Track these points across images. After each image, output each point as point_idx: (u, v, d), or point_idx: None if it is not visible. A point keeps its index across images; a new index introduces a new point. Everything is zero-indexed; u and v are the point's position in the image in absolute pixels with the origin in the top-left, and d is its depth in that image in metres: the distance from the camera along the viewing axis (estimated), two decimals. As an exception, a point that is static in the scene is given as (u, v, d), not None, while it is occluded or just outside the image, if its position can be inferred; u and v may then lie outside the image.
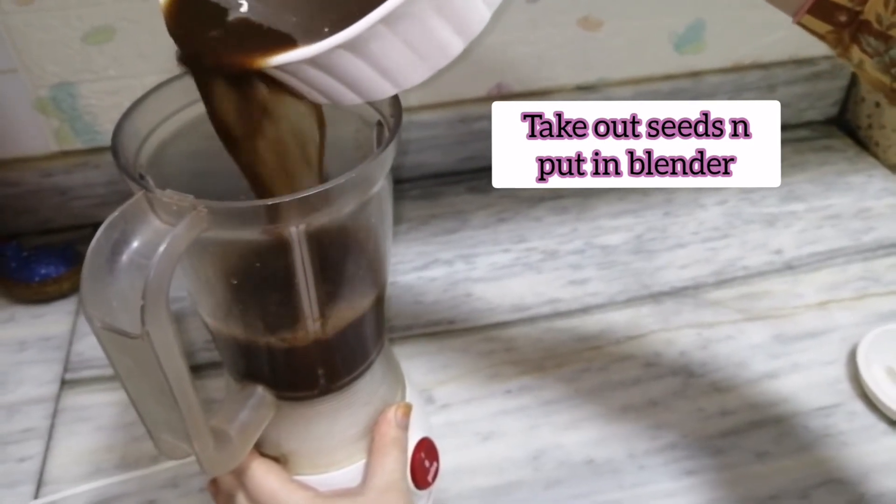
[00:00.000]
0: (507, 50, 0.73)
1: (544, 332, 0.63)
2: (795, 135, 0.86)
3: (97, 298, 0.29)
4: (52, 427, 0.56)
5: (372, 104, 0.37)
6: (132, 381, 0.32)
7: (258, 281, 0.33)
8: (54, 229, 0.72)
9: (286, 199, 0.29)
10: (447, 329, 0.63)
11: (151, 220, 0.30)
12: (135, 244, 0.29)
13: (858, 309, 0.64)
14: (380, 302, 0.40)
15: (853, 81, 0.85)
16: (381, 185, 0.34)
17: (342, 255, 0.34)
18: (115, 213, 0.29)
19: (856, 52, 0.32)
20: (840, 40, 0.32)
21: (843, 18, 0.31)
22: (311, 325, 0.36)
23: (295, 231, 0.31)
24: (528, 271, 0.69)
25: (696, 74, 0.80)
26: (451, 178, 0.79)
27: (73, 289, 0.66)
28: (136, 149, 0.34)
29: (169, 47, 0.66)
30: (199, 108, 0.38)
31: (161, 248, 0.28)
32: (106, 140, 0.68)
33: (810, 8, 0.32)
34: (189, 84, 0.37)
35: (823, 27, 0.32)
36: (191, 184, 0.38)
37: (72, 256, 0.66)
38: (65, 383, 0.59)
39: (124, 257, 0.29)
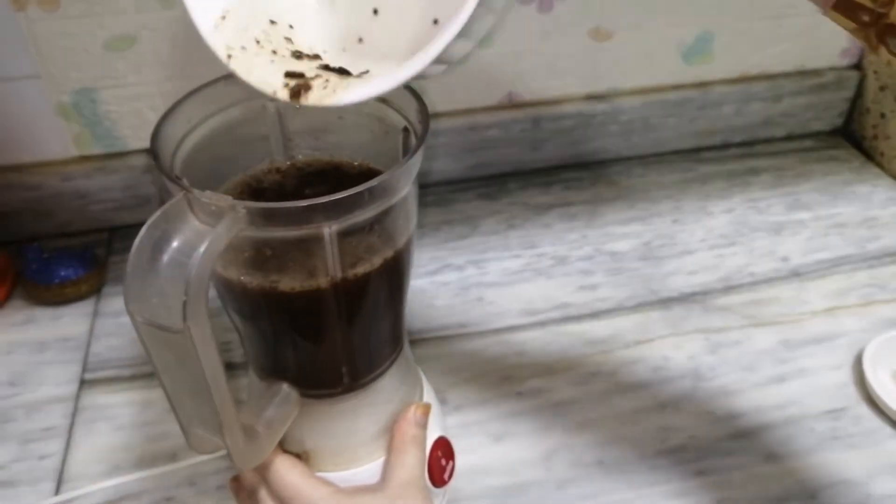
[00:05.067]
0: (518, 59, 0.74)
1: (555, 336, 0.64)
2: (801, 145, 0.88)
3: (139, 295, 0.30)
4: (71, 426, 0.57)
5: (399, 111, 0.38)
6: (169, 375, 0.33)
7: (288, 279, 0.34)
8: (72, 233, 0.73)
9: (320, 200, 0.31)
10: (459, 332, 0.64)
11: (191, 220, 0.31)
12: (175, 243, 0.30)
13: (864, 315, 0.66)
14: (402, 301, 0.41)
15: (858, 93, 0.86)
16: (409, 188, 0.35)
17: (369, 255, 0.35)
18: (157, 214, 0.30)
19: (884, 53, 0.32)
20: (868, 38, 0.32)
21: (866, 18, 0.31)
22: (338, 321, 0.37)
23: (327, 231, 0.32)
24: (538, 277, 0.70)
25: (703, 85, 0.82)
26: (461, 185, 0.81)
27: (92, 291, 0.67)
28: (171, 152, 0.35)
29: (187, 55, 0.68)
30: (227, 115, 0.39)
31: (202, 248, 0.29)
32: (125, 145, 0.70)
33: (835, 4, 0.31)
34: (217, 92, 0.38)
35: (849, 24, 0.32)
36: (218, 187, 0.39)
37: (91, 259, 0.67)
38: (84, 383, 0.60)
39: (166, 256, 0.30)
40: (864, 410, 0.57)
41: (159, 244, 0.30)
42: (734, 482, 0.53)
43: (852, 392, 0.59)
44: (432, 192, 0.80)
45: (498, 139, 0.79)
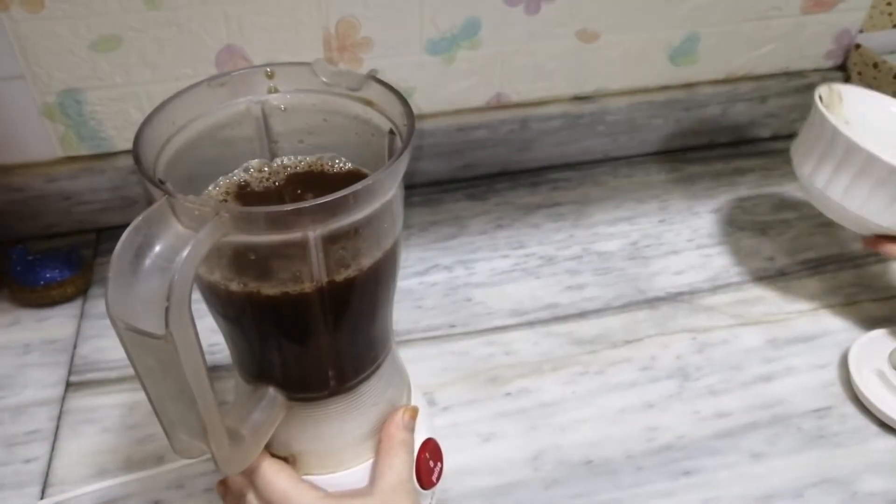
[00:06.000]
0: (506, 60, 0.75)
1: (543, 336, 0.64)
2: (786, 145, 0.87)
3: (121, 300, 0.30)
4: (57, 429, 0.56)
5: (384, 113, 0.38)
6: (152, 381, 0.33)
7: (273, 283, 0.34)
8: (58, 234, 0.72)
9: (305, 204, 0.30)
10: (447, 333, 0.64)
11: (174, 224, 0.30)
12: (157, 248, 0.30)
13: (849, 315, 0.66)
14: (389, 304, 0.41)
15: (843, 93, 0.87)
16: (395, 191, 0.35)
17: (355, 258, 0.35)
18: (139, 218, 0.30)
19: None
20: None
21: None
22: (324, 325, 0.37)
23: (312, 235, 0.32)
24: (526, 277, 0.70)
25: (690, 86, 0.82)
26: (449, 186, 0.81)
27: (78, 293, 0.67)
28: (155, 156, 0.35)
29: (173, 56, 0.68)
30: (211, 118, 0.39)
31: (184, 253, 0.29)
32: (111, 146, 0.70)
33: None
34: (201, 94, 0.38)
35: None
36: (200, 190, 0.39)
37: (76, 261, 0.66)
38: (70, 386, 0.60)
39: (148, 261, 0.30)
40: (850, 409, 0.58)
41: (141, 249, 0.30)
42: (721, 481, 0.53)
43: (838, 391, 0.59)
44: (420, 192, 0.80)
45: (486, 140, 0.79)
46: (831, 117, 0.61)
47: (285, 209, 0.30)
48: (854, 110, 0.70)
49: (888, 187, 0.58)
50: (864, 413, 0.58)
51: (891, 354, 0.59)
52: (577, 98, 0.80)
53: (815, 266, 0.71)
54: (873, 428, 0.57)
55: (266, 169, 0.41)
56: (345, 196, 0.31)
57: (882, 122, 0.68)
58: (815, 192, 0.63)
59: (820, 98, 0.67)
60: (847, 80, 0.86)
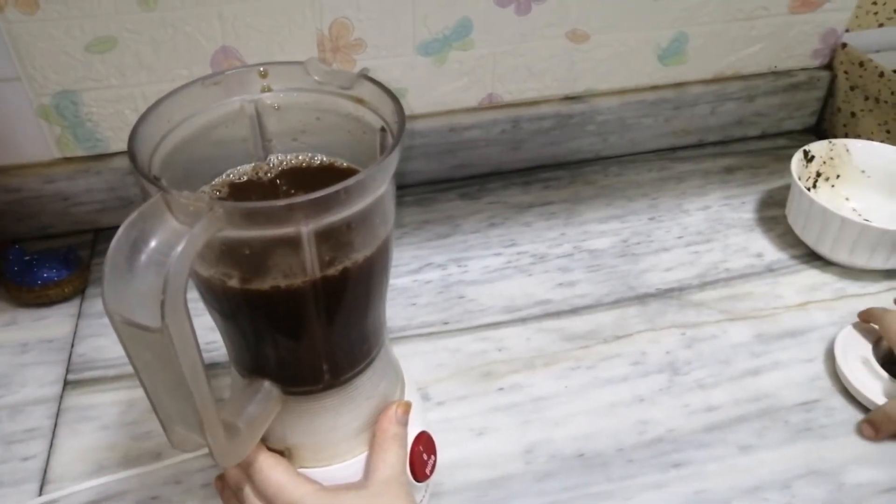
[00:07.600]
0: (497, 61, 0.75)
1: (535, 332, 0.65)
2: (775, 143, 0.89)
3: (118, 295, 0.30)
4: (55, 426, 0.57)
5: (376, 111, 0.39)
6: (148, 375, 0.33)
7: (267, 277, 0.35)
8: (55, 235, 0.73)
9: (298, 199, 0.31)
10: (441, 330, 0.65)
11: (169, 220, 0.31)
12: (153, 243, 0.30)
13: (836, 309, 0.67)
14: (381, 299, 0.42)
15: (829, 92, 0.88)
16: (386, 187, 0.36)
17: (347, 253, 0.36)
18: (134, 214, 0.31)
19: None
20: None
21: None
22: (317, 320, 0.37)
23: (305, 230, 0.33)
24: (518, 274, 0.71)
25: (679, 85, 0.83)
26: (442, 185, 0.82)
27: (75, 292, 0.67)
28: (149, 153, 0.36)
29: (168, 57, 0.68)
30: (205, 117, 0.40)
31: (179, 248, 0.30)
32: (107, 147, 0.70)
33: None
34: (196, 93, 0.39)
35: None
36: (195, 187, 0.40)
37: (74, 260, 0.67)
38: (67, 384, 0.60)
39: (143, 256, 0.30)
40: (837, 402, 0.59)
41: (137, 244, 0.30)
42: (710, 473, 0.54)
43: (825, 384, 0.60)
44: (413, 192, 0.80)
45: (478, 140, 0.79)
46: (800, 182, 0.70)
47: (278, 204, 0.31)
48: (866, 161, 0.75)
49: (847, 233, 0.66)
50: (851, 405, 0.58)
51: (875, 344, 0.60)
52: (568, 98, 0.81)
53: (803, 262, 0.72)
54: (859, 419, 0.57)
55: (260, 166, 0.42)
56: (336, 191, 0.31)
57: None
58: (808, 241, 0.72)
59: (805, 154, 0.73)
60: (834, 78, 0.87)
